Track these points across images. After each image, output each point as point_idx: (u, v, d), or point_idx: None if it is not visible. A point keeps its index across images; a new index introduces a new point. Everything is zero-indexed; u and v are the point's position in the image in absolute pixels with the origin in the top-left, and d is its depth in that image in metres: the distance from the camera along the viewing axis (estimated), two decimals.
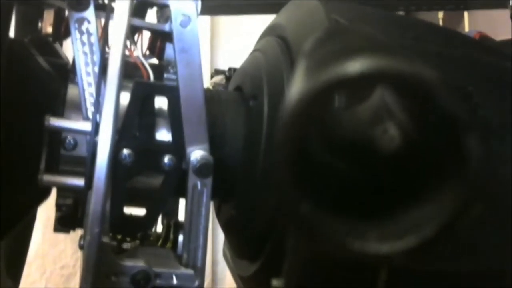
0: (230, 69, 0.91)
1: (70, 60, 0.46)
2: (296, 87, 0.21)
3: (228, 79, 0.88)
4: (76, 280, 1.38)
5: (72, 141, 0.41)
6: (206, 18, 1.54)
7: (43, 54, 0.44)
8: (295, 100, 0.20)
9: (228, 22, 1.64)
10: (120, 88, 0.37)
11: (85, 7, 0.38)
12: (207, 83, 1.13)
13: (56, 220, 0.46)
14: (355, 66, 0.19)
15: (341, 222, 0.22)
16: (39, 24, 0.44)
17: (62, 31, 0.44)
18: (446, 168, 0.21)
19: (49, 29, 0.44)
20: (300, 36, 0.44)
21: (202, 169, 0.41)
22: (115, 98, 0.37)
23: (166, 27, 0.42)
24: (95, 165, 0.36)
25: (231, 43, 1.63)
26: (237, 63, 0.63)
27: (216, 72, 1.00)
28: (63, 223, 0.46)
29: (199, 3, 0.41)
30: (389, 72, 0.19)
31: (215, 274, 1.56)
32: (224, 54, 1.64)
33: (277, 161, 0.22)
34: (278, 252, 0.41)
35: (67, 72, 0.43)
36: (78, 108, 0.41)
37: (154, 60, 0.47)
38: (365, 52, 0.20)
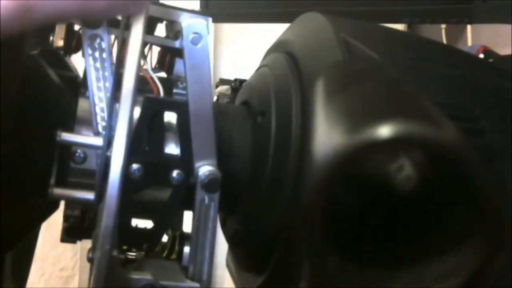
0: (236, 80, 0.91)
1: (80, 73, 0.47)
2: (323, 146, 0.22)
3: (234, 90, 0.89)
4: (75, 282, 1.38)
5: (82, 155, 0.41)
6: (210, 25, 1.55)
7: (53, 66, 0.45)
8: (324, 164, 0.21)
9: (231, 31, 1.64)
10: (134, 104, 0.38)
11: (98, 24, 0.39)
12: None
13: (63, 231, 0.47)
14: (387, 130, 0.20)
15: (367, 275, 0.23)
16: (50, 38, 0.45)
17: (73, 45, 0.45)
18: (468, 221, 0.22)
19: (60, 43, 0.45)
20: (308, 54, 0.45)
21: (210, 185, 0.42)
22: (129, 115, 0.37)
23: (177, 44, 0.42)
24: (108, 181, 0.37)
25: (235, 51, 1.64)
26: (241, 73, 0.64)
27: (222, 81, 1.01)
28: (70, 234, 0.47)
29: (210, 20, 0.41)
30: (421, 139, 0.20)
31: (214, 277, 1.57)
32: (228, 62, 1.64)
33: (307, 221, 0.22)
34: (283, 266, 0.42)
35: (77, 86, 0.44)
36: (88, 122, 0.42)
37: (163, 73, 0.48)
38: (394, 114, 0.21)
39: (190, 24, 0.41)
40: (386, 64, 0.39)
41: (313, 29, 0.47)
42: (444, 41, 1.34)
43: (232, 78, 0.98)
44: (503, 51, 0.80)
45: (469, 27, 1.28)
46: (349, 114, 0.24)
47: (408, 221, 0.25)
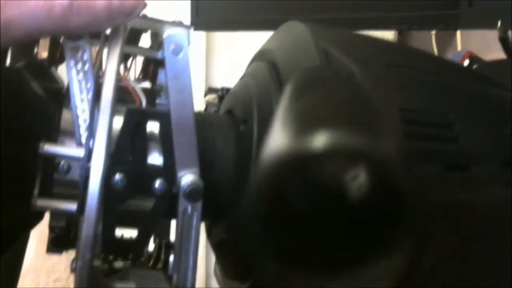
0: (223, 88, 0.92)
1: (65, 83, 0.47)
2: (271, 149, 0.23)
3: (220, 98, 0.90)
4: None
5: (65, 166, 0.42)
6: (202, 34, 1.55)
7: (38, 78, 0.45)
8: (268, 166, 0.22)
9: (223, 39, 1.65)
10: (113, 115, 0.38)
11: (80, 36, 0.39)
12: (201, 101, 1.14)
13: (49, 241, 0.47)
14: (320, 140, 0.21)
15: (307, 277, 0.24)
16: (35, 49, 0.45)
17: (57, 56, 0.45)
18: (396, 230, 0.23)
19: (44, 54, 0.45)
20: (289, 63, 0.46)
21: (192, 194, 0.42)
22: (107, 125, 0.38)
23: (159, 55, 0.43)
24: (87, 191, 0.37)
25: (227, 59, 1.64)
26: (233, 81, 0.64)
27: (210, 90, 1.01)
28: (56, 244, 0.47)
29: (191, 31, 0.42)
30: (351, 151, 0.21)
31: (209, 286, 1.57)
32: (220, 70, 1.65)
33: (255, 215, 0.23)
34: (265, 274, 0.42)
35: (62, 97, 0.44)
36: (72, 134, 0.42)
37: (148, 83, 0.49)
38: (332, 123, 0.21)
39: (171, 35, 0.41)
40: (360, 70, 0.39)
41: (294, 38, 0.47)
42: (434, 47, 1.35)
43: (224, 86, 0.98)
44: (492, 55, 0.80)
45: (458, 33, 1.28)
46: (298, 120, 0.25)
47: (345, 225, 0.25)
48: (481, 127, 0.40)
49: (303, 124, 0.22)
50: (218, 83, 1.50)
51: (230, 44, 1.62)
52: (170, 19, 0.44)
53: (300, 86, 0.28)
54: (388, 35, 1.49)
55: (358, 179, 0.23)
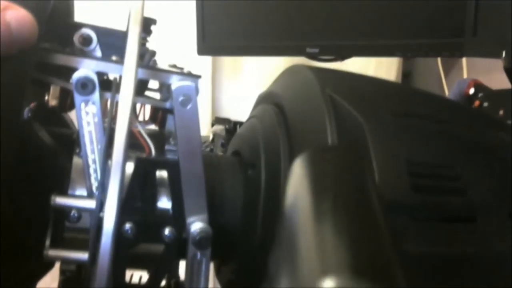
0: (230, 121, 0.93)
1: (76, 126, 0.48)
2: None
3: (228, 131, 0.90)
4: None
5: (76, 214, 0.42)
6: (208, 59, 1.56)
7: (48, 124, 0.46)
8: None
9: (229, 64, 1.65)
10: (124, 168, 0.39)
11: (90, 91, 0.40)
12: (207, 131, 1.15)
13: (60, 284, 0.48)
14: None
15: None
16: (45, 97, 0.46)
17: (67, 104, 0.46)
18: None
19: (54, 102, 0.46)
20: (296, 109, 0.46)
21: (201, 241, 0.43)
22: (119, 177, 0.38)
23: (167, 105, 0.44)
24: (100, 242, 0.38)
25: (233, 85, 1.64)
26: (239, 109, 0.65)
27: (217, 120, 1.02)
28: (67, 286, 0.48)
29: (198, 82, 0.43)
30: None
31: None
32: (226, 96, 1.65)
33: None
34: None
35: (72, 145, 0.45)
36: (82, 183, 0.43)
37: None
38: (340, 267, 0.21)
39: (179, 87, 0.42)
40: (367, 122, 0.40)
41: (300, 83, 0.48)
42: (441, 70, 1.35)
43: (230, 110, 0.99)
44: (499, 79, 0.81)
45: (464, 61, 1.28)
46: (317, 255, 0.25)
47: None
48: (486, 178, 0.40)
49: (322, 259, 0.23)
50: (226, 109, 1.50)
51: (237, 69, 1.62)
52: (178, 45, 0.45)
53: (313, 171, 0.28)
54: (395, 60, 1.49)
55: None
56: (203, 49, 1.09)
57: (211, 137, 0.98)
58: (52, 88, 0.46)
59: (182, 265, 0.47)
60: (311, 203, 0.26)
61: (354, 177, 0.27)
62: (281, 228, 0.28)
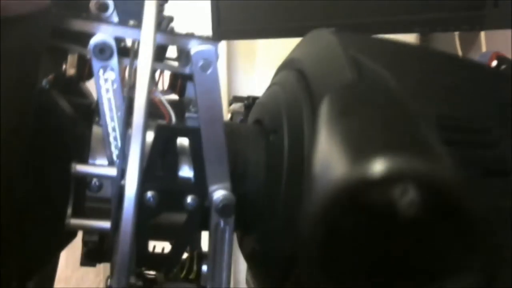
0: (249, 97, 0.91)
1: (95, 97, 0.47)
2: (322, 175, 0.22)
3: (247, 107, 0.89)
4: None
5: (97, 183, 0.42)
6: (222, 43, 1.54)
7: (66, 94, 0.45)
8: (323, 194, 0.21)
9: (244, 47, 1.63)
10: (145, 134, 0.38)
11: (108, 56, 0.39)
12: (225, 110, 1.13)
13: (82, 255, 0.47)
14: (379, 167, 0.20)
15: None
16: (63, 66, 0.45)
17: (85, 73, 0.45)
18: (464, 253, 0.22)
19: (72, 71, 0.45)
20: (318, 72, 0.45)
21: (224, 209, 0.42)
22: (140, 145, 0.38)
23: (187, 70, 0.43)
24: (122, 210, 0.37)
25: (249, 68, 1.63)
26: (255, 89, 0.64)
27: (235, 99, 1.01)
28: (90, 258, 0.48)
29: (218, 46, 0.42)
30: (414, 176, 0.20)
31: None
32: (243, 79, 1.63)
33: (305, 252, 0.23)
34: (299, 285, 0.42)
35: (91, 113, 0.44)
36: (102, 151, 0.42)
37: (175, 95, 0.49)
38: (388, 148, 0.21)
39: (199, 51, 0.41)
40: (395, 81, 0.38)
41: (322, 47, 0.47)
42: (458, 47, 1.32)
43: (246, 95, 0.98)
44: None
45: (482, 33, 1.25)
46: (348, 144, 0.24)
47: (409, 251, 0.25)
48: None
49: (357, 149, 0.22)
50: (240, 92, 1.48)
51: (252, 52, 1.60)
52: (193, 30, 0.44)
53: (340, 105, 0.28)
54: (410, 37, 1.47)
55: (422, 203, 0.22)
56: (218, 34, 1.07)
57: (229, 116, 0.97)
58: (69, 57, 0.45)
59: (205, 237, 0.47)
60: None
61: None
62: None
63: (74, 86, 0.48)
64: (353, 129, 0.25)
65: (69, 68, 0.45)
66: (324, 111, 0.28)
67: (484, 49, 1.23)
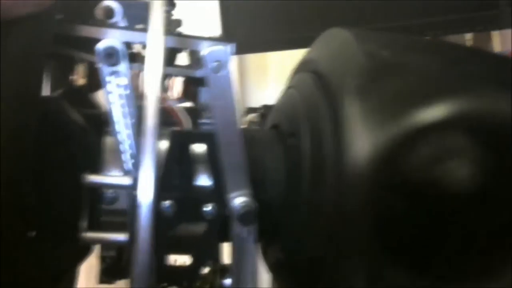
0: (264, 106, 0.90)
1: (104, 108, 0.46)
2: (364, 140, 0.20)
3: (262, 116, 0.87)
4: None
5: (111, 195, 0.40)
6: (233, 57, 1.53)
7: (76, 105, 0.44)
8: (369, 158, 0.19)
9: (256, 60, 1.63)
10: (157, 140, 0.36)
11: (117, 61, 0.38)
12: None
13: (100, 272, 0.46)
14: (436, 112, 0.18)
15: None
16: (72, 77, 0.44)
17: (96, 82, 0.44)
18: None
19: (81, 81, 0.44)
20: (334, 69, 0.43)
21: (246, 217, 0.40)
22: (153, 150, 0.36)
23: (198, 73, 0.41)
24: (138, 221, 0.36)
25: (261, 81, 1.62)
26: (268, 100, 0.62)
27: (249, 110, 0.99)
28: (108, 274, 0.46)
29: (231, 47, 0.40)
30: (479, 114, 0.18)
31: None
32: (255, 92, 1.63)
33: (359, 235, 0.21)
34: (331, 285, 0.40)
35: (102, 124, 0.43)
36: (115, 161, 0.41)
37: (188, 103, 0.47)
38: (443, 92, 0.19)
39: (211, 52, 0.39)
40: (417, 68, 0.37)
41: (337, 44, 0.45)
42: None
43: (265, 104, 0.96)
44: None
45: (495, 33, 1.23)
46: (389, 103, 0.22)
47: (463, 228, 0.23)
48: None
49: (397, 104, 0.20)
50: (254, 105, 1.48)
51: (264, 65, 1.59)
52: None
53: (363, 75, 0.26)
54: None
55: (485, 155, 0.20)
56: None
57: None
58: (78, 67, 0.44)
59: (227, 249, 0.45)
60: None
61: None
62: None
63: (83, 97, 0.47)
64: (390, 89, 0.23)
65: (78, 78, 0.44)
66: (348, 87, 0.26)
67: (497, 49, 1.21)
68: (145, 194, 0.35)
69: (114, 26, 0.41)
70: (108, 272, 0.45)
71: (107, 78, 0.38)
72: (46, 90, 0.44)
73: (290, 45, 1.01)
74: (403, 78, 0.26)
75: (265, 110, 0.87)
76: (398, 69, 0.30)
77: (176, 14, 0.51)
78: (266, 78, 1.62)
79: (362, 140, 0.21)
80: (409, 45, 0.44)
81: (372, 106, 0.22)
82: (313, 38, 0.50)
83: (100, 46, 0.38)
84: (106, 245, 0.43)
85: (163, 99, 0.43)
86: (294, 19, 0.99)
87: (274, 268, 0.49)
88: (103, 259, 0.45)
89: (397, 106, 0.20)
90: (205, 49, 0.40)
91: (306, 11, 0.96)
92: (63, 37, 0.39)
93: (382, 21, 0.88)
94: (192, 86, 0.45)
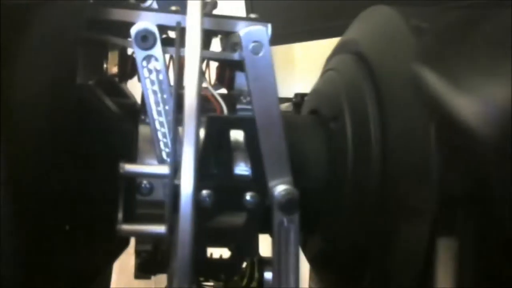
0: (296, 94, 0.87)
1: (137, 99, 0.44)
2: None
3: (295, 104, 0.85)
4: None
5: (148, 185, 0.38)
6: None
7: (110, 95, 0.42)
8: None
9: (282, 52, 1.61)
10: (199, 127, 0.34)
11: (152, 45, 0.36)
12: None
13: (136, 267, 0.44)
14: None
15: None
16: (104, 65, 0.43)
17: (128, 70, 0.42)
18: None
19: (114, 69, 0.42)
20: (379, 49, 0.41)
21: (287, 205, 0.38)
22: (194, 138, 0.34)
23: (236, 56, 0.39)
24: (178, 212, 0.34)
25: (288, 74, 1.60)
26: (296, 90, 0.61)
27: (280, 100, 0.97)
28: (144, 269, 0.44)
29: (270, 27, 0.38)
30: None
31: None
32: (281, 85, 1.61)
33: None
34: (379, 275, 0.38)
35: (136, 113, 0.41)
36: (151, 150, 0.39)
37: (223, 90, 0.45)
38: None
39: (249, 32, 0.37)
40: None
41: (380, 22, 0.43)
42: None
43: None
44: None
45: None
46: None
47: None
48: None
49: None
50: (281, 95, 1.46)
51: (290, 56, 1.57)
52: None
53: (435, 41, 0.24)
54: None
55: None
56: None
57: None
58: (110, 54, 0.42)
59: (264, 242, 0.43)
60: None
61: None
62: None
63: (117, 88, 0.45)
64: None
65: (111, 66, 0.43)
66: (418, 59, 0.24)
67: None
68: (186, 183, 0.33)
69: (148, 9, 0.39)
70: (144, 267, 0.43)
71: (141, 63, 0.37)
72: (80, 79, 0.42)
73: (316, 35, 0.99)
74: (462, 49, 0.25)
75: (298, 99, 0.85)
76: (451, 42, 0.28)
77: None
78: (293, 71, 1.60)
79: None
80: (457, 24, 0.42)
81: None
82: (338, 27, 0.48)
83: (135, 29, 0.36)
84: (142, 239, 0.41)
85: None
86: (319, 8, 0.96)
87: (315, 260, 0.47)
88: (138, 253, 0.43)
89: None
90: (243, 30, 0.38)
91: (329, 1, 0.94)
92: (96, 21, 0.37)
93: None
94: (228, 71, 0.43)
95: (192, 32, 0.34)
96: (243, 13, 1.01)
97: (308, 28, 1.01)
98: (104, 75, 0.43)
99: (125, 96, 0.45)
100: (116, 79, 0.44)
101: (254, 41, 0.37)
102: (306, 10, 0.99)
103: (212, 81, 0.45)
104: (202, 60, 0.41)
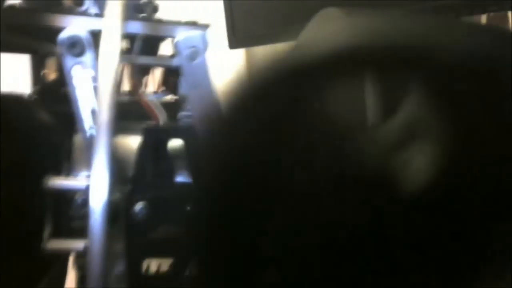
0: None
1: None
2: None
3: None
4: None
5: (81, 199, 0.37)
6: (240, 51, 1.49)
7: (49, 102, 0.41)
8: None
9: (264, 53, 1.59)
10: (111, 135, 0.32)
11: (82, 51, 0.34)
12: None
13: (77, 281, 0.42)
14: None
15: None
16: (42, 72, 0.41)
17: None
18: None
19: (53, 76, 0.41)
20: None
21: None
22: (106, 147, 0.32)
23: (174, 62, 0.37)
24: (90, 225, 0.32)
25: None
26: None
27: None
28: (84, 282, 0.43)
29: (207, 33, 0.37)
30: None
31: None
32: None
33: None
34: None
35: (73, 122, 0.39)
36: (85, 162, 0.37)
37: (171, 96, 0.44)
38: None
39: (184, 38, 0.36)
40: None
41: (321, 20, 0.41)
42: None
43: None
44: None
45: (510, 13, 1.18)
46: None
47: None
48: None
49: None
50: None
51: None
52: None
53: None
54: None
55: None
56: (235, 43, 1.02)
57: None
58: (48, 60, 0.40)
59: None
60: None
61: None
62: None
63: (58, 93, 0.43)
64: None
65: (49, 72, 0.41)
66: None
67: None
68: (97, 196, 0.31)
69: (82, 13, 0.37)
70: (84, 280, 0.42)
71: (70, 72, 0.35)
72: (27, 87, 0.40)
73: (298, 36, 0.97)
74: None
75: None
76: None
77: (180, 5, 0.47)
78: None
79: None
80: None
81: None
82: None
83: (62, 35, 0.35)
84: (80, 253, 0.40)
85: (139, 94, 0.39)
86: (300, 7, 0.95)
87: None
88: (79, 268, 0.41)
89: None
90: (179, 35, 0.36)
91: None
92: (21, 25, 0.35)
93: (398, 4, 0.84)
94: (172, 77, 0.42)
95: (108, 36, 0.32)
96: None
97: (289, 28, 0.99)
98: (43, 81, 0.41)
99: (65, 101, 0.43)
100: (56, 85, 0.42)
101: (190, 47, 0.36)
102: (287, 11, 0.98)
103: (158, 88, 0.44)
104: (144, 67, 0.40)
